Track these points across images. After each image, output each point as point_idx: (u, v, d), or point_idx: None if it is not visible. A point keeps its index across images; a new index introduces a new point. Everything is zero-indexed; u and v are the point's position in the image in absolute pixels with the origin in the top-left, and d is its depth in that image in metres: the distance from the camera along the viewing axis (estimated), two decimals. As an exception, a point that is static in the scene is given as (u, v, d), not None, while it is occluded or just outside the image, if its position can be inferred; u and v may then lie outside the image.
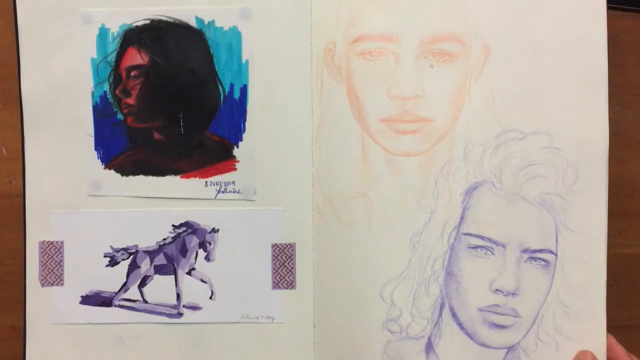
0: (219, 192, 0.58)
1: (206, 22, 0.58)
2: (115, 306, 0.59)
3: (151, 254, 0.58)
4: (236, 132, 0.58)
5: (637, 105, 0.63)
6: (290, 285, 0.58)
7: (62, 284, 0.59)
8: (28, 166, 0.58)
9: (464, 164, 0.57)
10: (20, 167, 0.58)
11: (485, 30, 0.57)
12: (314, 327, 0.58)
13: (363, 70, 0.57)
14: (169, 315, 0.59)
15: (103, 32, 0.58)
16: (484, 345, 0.57)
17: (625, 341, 0.57)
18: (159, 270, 0.58)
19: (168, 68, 0.58)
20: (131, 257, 0.59)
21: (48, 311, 0.59)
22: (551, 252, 0.57)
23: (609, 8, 0.57)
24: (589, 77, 0.57)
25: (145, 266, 0.58)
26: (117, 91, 0.58)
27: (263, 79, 0.58)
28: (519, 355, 0.57)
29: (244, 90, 0.58)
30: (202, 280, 0.58)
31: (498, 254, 0.57)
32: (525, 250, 0.57)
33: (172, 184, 0.58)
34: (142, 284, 0.58)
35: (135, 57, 0.58)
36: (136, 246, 0.58)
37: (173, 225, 0.58)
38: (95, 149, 0.59)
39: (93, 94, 0.59)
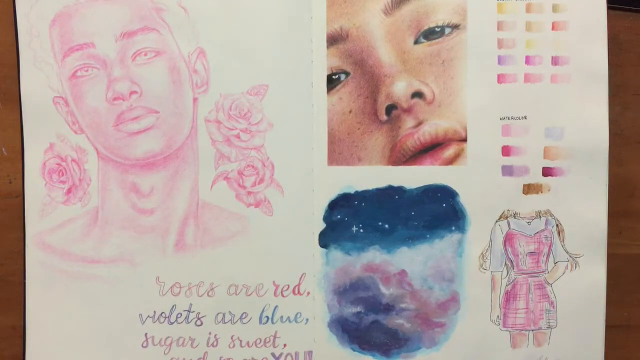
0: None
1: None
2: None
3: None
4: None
5: (637, 105, 0.63)
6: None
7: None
8: (28, 166, 0.58)
9: None
10: (20, 167, 0.58)
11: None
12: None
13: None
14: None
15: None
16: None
17: (625, 341, 0.57)
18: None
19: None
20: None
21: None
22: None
23: (609, 8, 0.57)
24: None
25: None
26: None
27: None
28: None
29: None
30: None
31: None
32: None
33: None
34: None
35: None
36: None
37: None
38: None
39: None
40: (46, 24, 0.57)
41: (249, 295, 0.59)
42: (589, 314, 0.58)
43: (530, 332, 0.59)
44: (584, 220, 0.58)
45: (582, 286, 0.58)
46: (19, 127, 0.58)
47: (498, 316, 0.59)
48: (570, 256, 0.58)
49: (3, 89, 0.61)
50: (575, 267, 0.58)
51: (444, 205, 0.58)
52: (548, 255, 0.59)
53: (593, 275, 0.58)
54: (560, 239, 0.58)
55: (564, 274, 0.59)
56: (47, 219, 0.58)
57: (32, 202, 0.58)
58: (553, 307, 0.59)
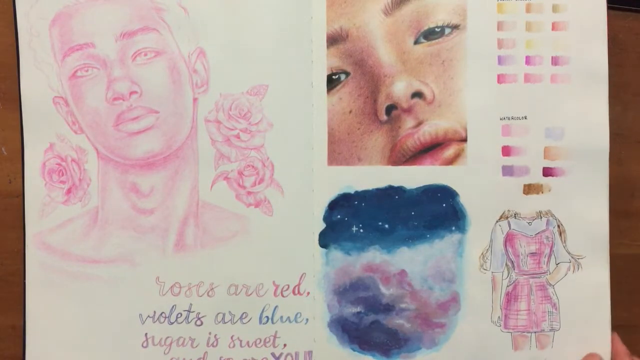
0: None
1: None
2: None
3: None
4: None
5: (637, 105, 0.63)
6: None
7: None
8: (28, 166, 0.58)
9: None
10: (20, 167, 0.58)
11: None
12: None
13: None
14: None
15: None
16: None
17: (626, 341, 0.57)
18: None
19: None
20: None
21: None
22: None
23: (609, 8, 0.57)
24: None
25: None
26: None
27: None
28: None
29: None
30: None
31: None
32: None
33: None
34: None
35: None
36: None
37: None
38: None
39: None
40: (46, 24, 0.57)
41: (249, 295, 0.59)
42: (594, 317, 0.58)
43: (533, 334, 0.59)
44: (586, 221, 0.58)
45: (586, 288, 0.58)
46: (19, 127, 0.58)
47: (499, 317, 0.59)
48: (572, 257, 0.58)
49: (3, 89, 0.61)
50: (578, 269, 0.58)
51: (444, 205, 0.58)
52: (549, 256, 0.58)
53: (596, 276, 0.58)
54: (561, 239, 0.58)
55: (566, 275, 0.58)
56: (47, 219, 0.58)
57: (32, 202, 0.58)
58: (556, 309, 0.58)
